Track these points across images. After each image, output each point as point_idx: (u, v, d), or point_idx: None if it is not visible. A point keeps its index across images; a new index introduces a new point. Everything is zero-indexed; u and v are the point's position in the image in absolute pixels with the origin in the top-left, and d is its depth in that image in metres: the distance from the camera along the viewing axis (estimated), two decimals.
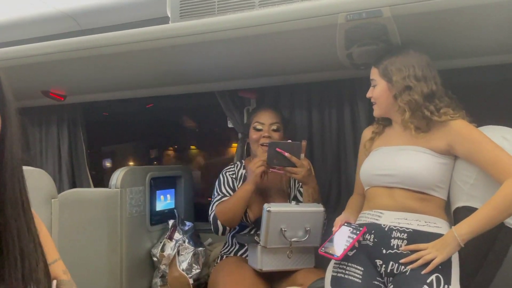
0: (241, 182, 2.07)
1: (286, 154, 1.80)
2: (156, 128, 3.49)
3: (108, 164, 3.24)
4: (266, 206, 1.76)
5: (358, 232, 1.49)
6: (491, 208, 1.35)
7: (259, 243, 1.80)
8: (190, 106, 3.07)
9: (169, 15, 1.98)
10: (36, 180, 1.36)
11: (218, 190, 2.06)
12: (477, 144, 1.43)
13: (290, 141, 1.85)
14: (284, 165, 1.82)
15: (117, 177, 2.17)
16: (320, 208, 1.82)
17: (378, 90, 1.58)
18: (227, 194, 2.03)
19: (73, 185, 2.72)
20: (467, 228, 1.36)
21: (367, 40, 1.61)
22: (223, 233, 1.98)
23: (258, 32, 1.66)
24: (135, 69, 2.14)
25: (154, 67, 2.11)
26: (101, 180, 3.05)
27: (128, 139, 3.64)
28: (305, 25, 1.58)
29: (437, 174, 1.48)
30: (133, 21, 2.34)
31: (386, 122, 1.67)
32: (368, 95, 1.63)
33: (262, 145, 1.98)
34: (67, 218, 1.77)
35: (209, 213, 2.02)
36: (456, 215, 1.52)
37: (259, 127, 2.01)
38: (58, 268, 1.16)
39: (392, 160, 1.54)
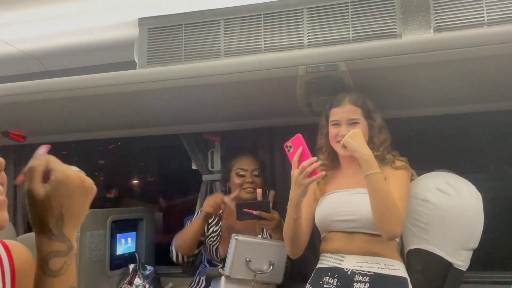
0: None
1: (255, 212, 1.80)
2: (118, 168, 3.45)
3: None
4: (234, 235, 1.81)
5: None
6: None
7: (223, 274, 1.81)
8: (154, 147, 3.08)
9: (136, 61, 2.02)
10: None
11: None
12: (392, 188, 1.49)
13: (257, 199, 1.84)
14: (254, 218, 1.82)
15: None
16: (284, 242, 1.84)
17: (363, 130, 1.56)
18: None
19: (29, 229, 2.62)
20: None
21: (324, 91, 1.72)
22: (177, 260, 2.10)
23: (223, 81, 1.73)
24: (99, 111, 2.15)
25: (119, 110, 2.13)
26: None
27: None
28: (268, 75, 1.68)
29: None
30: (100, 63, 2.37)
31: (335, 164, 1.71)
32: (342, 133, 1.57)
33: (244, 189, 2.07)
34: None
35: None
36: (409, 257, 1.60)
37: (241, 173, 2.09)
38: None
39: (351, 205, 1.56)
